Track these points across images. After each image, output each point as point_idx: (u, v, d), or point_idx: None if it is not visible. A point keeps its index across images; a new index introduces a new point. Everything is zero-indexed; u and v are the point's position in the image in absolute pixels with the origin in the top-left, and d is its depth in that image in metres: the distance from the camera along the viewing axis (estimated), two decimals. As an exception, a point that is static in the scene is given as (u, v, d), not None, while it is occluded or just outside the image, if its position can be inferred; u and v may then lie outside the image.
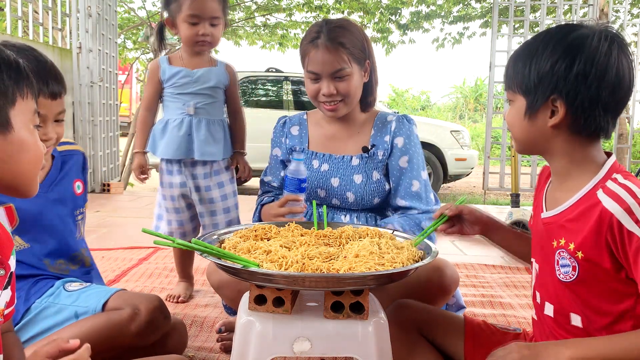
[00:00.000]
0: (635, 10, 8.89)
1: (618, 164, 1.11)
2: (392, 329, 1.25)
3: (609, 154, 1.13)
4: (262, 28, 9.82)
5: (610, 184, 1.04)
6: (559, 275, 1.13)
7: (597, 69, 1.04)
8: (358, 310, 1.18)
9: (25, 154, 0.92)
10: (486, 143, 6.22)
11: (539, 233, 1.20)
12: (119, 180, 6.35)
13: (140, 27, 8.80)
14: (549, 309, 1.17)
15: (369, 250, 1.24)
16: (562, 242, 1.11)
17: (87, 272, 1.62)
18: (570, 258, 1.10)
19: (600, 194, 1.04)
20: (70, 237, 1.57)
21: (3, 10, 5.90)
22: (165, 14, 2.13)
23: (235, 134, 2.25)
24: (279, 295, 1.18)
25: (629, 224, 0.99)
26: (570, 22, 1.14)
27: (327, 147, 1.87)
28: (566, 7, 6.94)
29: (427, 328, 1.34)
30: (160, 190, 2.25)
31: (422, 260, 1.27)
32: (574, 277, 1.10)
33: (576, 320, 1.11)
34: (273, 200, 1.86)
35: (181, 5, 1.99)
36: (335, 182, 1.80)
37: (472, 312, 2.26)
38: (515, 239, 1.38)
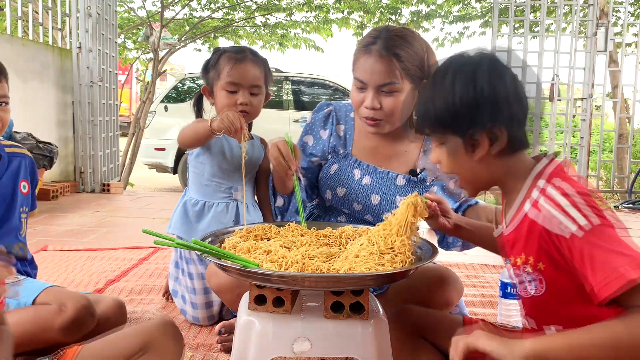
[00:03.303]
0: (636, 10, 8.89)
1: (549, 164, 1.11)
2: (394, 334, 1.24)
3: (539, 158, 1.14)
4: (262, 28, 9.82)
5: (534, 193, 1.06)
6: (530, 290, 1.14)
7: (518, 85, 1.10)
8: (358, 310, 1.18)
9: None
10: (486, 143, 6.21)
11: (503, 251, 1.20)
12: (119, 180, 6.35)
13: (140, 27, 8.80)
14: (531, 323, 1.19)
15: (369, 250, 1.23)
16: (523, 257, 1.12)
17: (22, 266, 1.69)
18: (534, 272, 1.11)
19: (527, 206, 1.06)
20: (9, 232, 1.64)
21: (3, 10, 5.90)
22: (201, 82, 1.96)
23: (265, 214, 2.00)
24: (279, 296, 1.18)
25: (554, 228, 1.00)
26: (457, 54, 1.16)
27: (371, 157, 1.73)
28: (566, 7, 6.94)
29: (428, 331, 1.33)
30: (182, 277, 2.02)
31: (421, 260, 1.26)
32: (544, 289, 1.10)
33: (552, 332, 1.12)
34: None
35: (220, 73, 1.85)
36: (375, 199, 1.68)
37: (473, 311, 2.26)
38: (479, 230, 1.38)
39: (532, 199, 1.05)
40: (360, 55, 1.59)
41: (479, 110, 1.07)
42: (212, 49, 10.21)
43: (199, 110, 2.05)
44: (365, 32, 8.42)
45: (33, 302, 1.52)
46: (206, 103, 2.02)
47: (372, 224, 1.65)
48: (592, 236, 0.96)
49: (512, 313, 1.87)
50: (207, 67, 1.94)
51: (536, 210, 1.03)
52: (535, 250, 1.08)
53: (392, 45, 1.55)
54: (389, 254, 1.23)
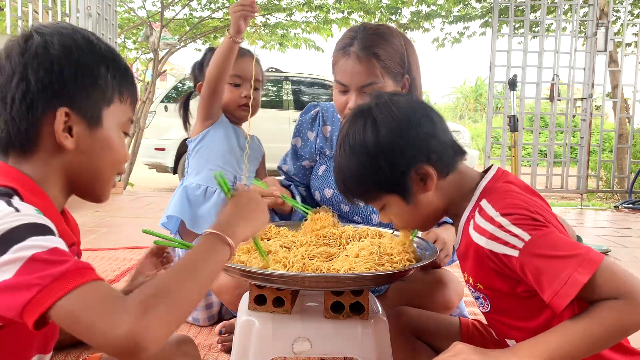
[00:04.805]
0: (635, 10, 8.89)
1: (493, 179, 1.11)
2: (391, 336, 1.24)
3: (486, 171, 1.14)
4: (262, 28, 9.82)
5: (477, 217, 1.05)
6: (480, 308, 1.15)
7: (416, 116, 1.09)
8: (358, 310, 1.18)
9: (108, 152, 0.92)
10: (486, 143, 6.22)
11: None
12: (119, 180, 6.35)
13: (140, 27, 8.79)
14: (494, 334, 1.20)
15: (369, 250, 1.23)
16: (466, 276, 1.13)
17: None
18: (476, 291, 1.12)
19: (471, 230, 1.05)
20: None
21: (3, 10, 5.89)
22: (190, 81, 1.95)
23: None
24: (279, 296, 1.18)
25: (498, 248, 0.99)
26: (349, 119, 1.15)
27: None
28: (566, 7, 6.93)
29: (424, 334, 1.33)
30: None
31: (420, 260, 1.26)
32: (489, 307, 1.11)
33: (513, 344, 1.11)
34: (290, 187, 1.78)
35: None
36: None
37: (473, 312, 2.25)
38: None
39: (475, 223, 1.05)
40: (338, 58, 1.57)
41: (394, 165, 1.08)
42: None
43: (185, 112, 2.06)
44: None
45: None
46: (192, 105, 2.02)
47: (358, 223, 1.67)
48: (529, 252, 0.95)
49: None
50: (202, 65, 1.96)
51: (480, 236, 1.03)
52: (474, 271, 1.08)
53: (369, 45, 1.52)
54: (388, 254, 1.23)
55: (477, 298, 1.14)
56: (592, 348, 0.92)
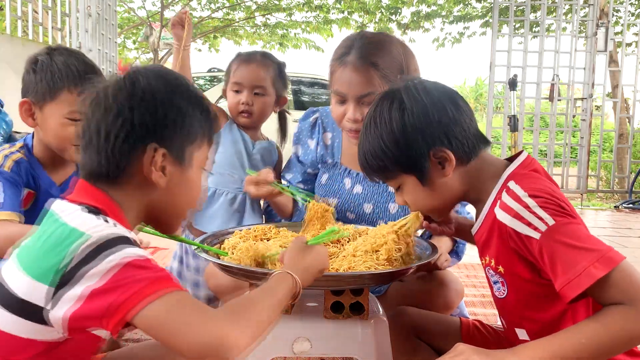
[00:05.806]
0: (636, 10, 8.89)
1: (522, 165, 1.11)
2: (391, 336, 1.24)
3: (514, 158, 1.13)
4: (263, 28, 9.83)
5: (504, 196, 1.05)
6: (496, 292, 1.14)
7: (441, 101, 1.11)
8: (358, 310, 1.17)
9: (189, 192, 1.00)
10: (486, 143, 6.21)
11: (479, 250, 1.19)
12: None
13: (140, 27, 8.80)
14: (504, 324, 1.19)
15: (364, 249, 1.23)
16: (487, 259, 1.12)
17: None
18: (496, 274, 1.11)
19: (496, 209, 1.05)
20: None
21: (3, 10, 5.90)
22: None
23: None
24: (279, 295, 1.17)
25: (521, 228, 0.99)
26: (377, 100, 1.17)
27: None
28: (566, 7, 6.94)
29: (424, 333, 1.33)
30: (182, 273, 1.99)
31: (420, 259, 1.26)
32: (505, 293, 1.10)
33: (522, 334, 1.11)
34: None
35: (229, 74, 1.94)
36: (368, 208, 1.65)
37: (473, 312, 2.26)
38: None
39: (502, 202, 1.04)
40: (336, 67, 1.53)
41: (413, 145, 1.09)
42: (212, 49, 10.23)
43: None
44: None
45: None
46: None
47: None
48: (550, 237, 0.95)
49: None
50: (228, 70, 2.01)
51: (505, 213, 1.02)
52: (497, 253, 1.08)
53: (367, 53, 1.48)
54: (379, 251, 1.22)
55: (495, 282, 1.13)
56: (596, 355, 0.90)
